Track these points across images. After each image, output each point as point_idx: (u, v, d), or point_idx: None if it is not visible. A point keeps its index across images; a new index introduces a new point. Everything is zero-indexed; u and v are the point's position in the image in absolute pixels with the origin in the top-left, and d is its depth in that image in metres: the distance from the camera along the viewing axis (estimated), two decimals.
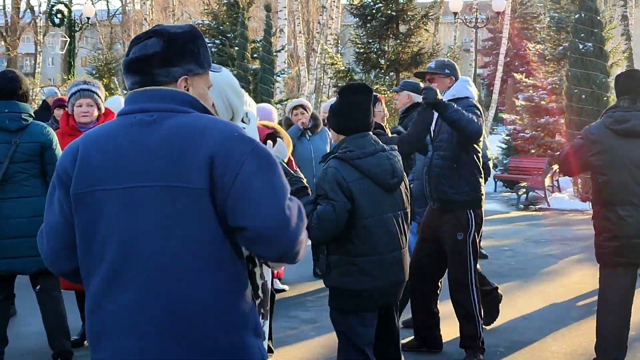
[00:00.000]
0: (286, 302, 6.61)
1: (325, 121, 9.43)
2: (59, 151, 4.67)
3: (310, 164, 7.08)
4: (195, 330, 1.90)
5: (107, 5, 45.23)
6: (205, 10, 19.70)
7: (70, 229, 1.99)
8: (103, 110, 5.20)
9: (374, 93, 3.98)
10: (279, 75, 18.30)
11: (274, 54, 18.11)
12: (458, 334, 5.02)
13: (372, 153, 3.62)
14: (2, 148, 4.55)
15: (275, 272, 5.27)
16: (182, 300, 1.88)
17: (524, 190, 14.05)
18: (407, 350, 4.84)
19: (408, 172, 4.72)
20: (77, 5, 32.13)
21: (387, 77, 16.06)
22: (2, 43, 40.84)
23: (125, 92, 28.80)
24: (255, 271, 2.63)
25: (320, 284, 7.32)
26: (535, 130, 16.23)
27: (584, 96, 13.52)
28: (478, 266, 5.06)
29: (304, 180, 3.19)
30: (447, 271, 5.06)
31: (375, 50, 16.11)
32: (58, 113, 7.89)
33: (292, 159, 5.42)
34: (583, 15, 13.78)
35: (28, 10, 41.95)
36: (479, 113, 4.76)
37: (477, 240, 4.94)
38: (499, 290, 5.76)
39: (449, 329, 5.21)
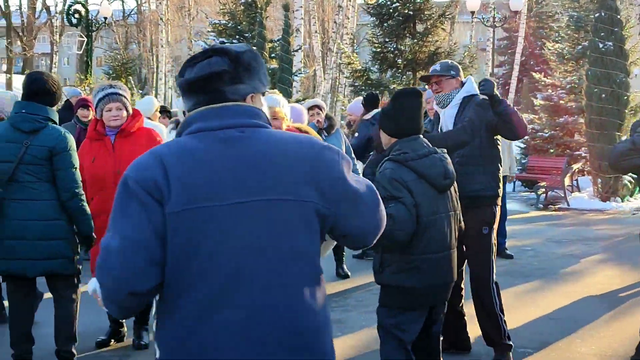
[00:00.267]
0: None
1: (348, 122, 9.46)
2: (73, 157, 4.57)
3: None
4: (308, 340, 1.92)
5: (123, 5, 45.57)
6: (222, 10, 19.71)
7: (160, 245, 1.86)
8: (131, 112, 5.15)
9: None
10: (296, 75, 18.32)
11: (292, 53, 18.13)
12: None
13: (426, 155, 3.72)
14: (13, 148, 4.46)
15: None
16: (294, 312, 1.90)
17: (543, 189, 14.00)
18: None
19: None
20: (93, 5, 32.35)
21: (404, 77, 16.01)
22: (19, 43, 41.17)
23: (141, 92, 28.83)
24: None
25: (343, 285, 7.35)
26: (554, 129, 16.16)
27: (604, 95, 13.46)
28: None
29: None
30: (469, 270, 5.00)
31: (392, 49, 16.03)
32: (81, 113, 7.97)
33: None
34: (603, 14, 13.71)
35: (44, 10, 42.28)
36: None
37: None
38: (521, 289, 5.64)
39: (477, 328, 5.16)
